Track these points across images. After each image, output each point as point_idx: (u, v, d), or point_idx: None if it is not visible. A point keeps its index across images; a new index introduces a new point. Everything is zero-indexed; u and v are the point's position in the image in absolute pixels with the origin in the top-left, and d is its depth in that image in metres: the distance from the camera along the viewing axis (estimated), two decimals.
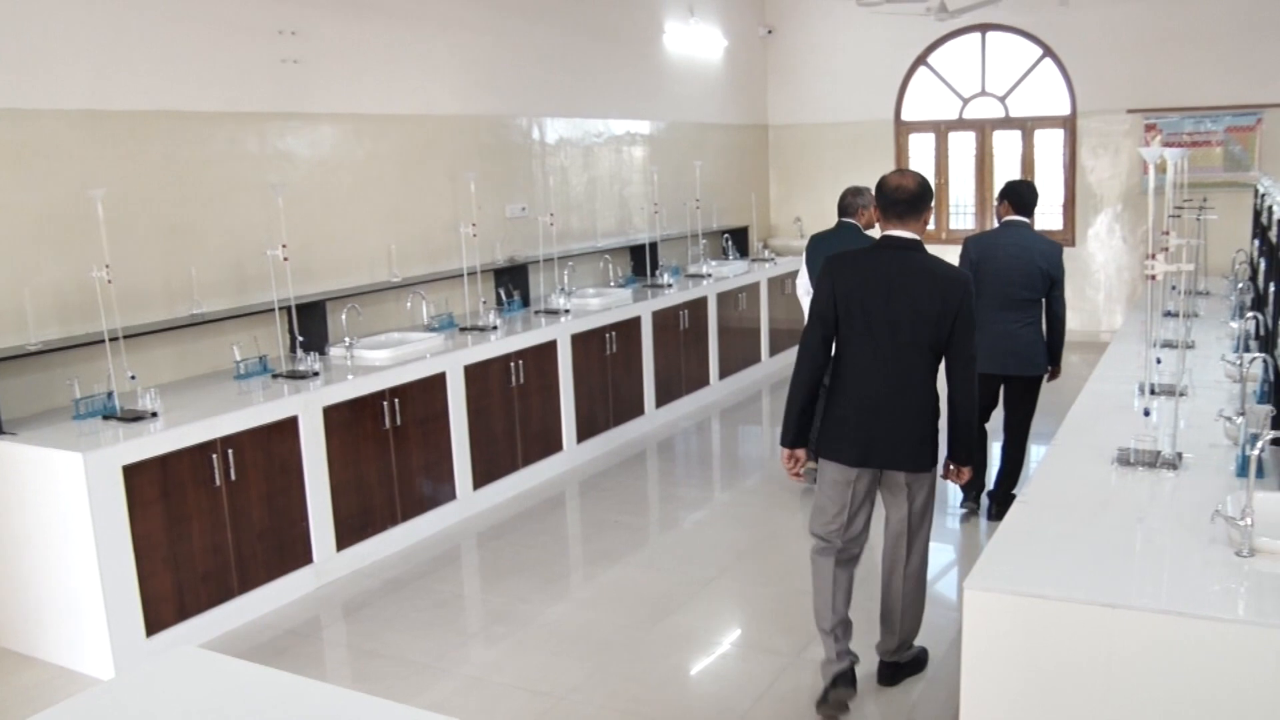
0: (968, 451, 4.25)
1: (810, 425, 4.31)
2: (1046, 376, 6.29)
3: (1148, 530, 3.26)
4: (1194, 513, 3.23)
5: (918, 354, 4.08)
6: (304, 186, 6.69)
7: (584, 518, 7.06)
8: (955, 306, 4.03)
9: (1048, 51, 11.70)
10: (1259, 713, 2.60)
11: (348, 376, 5.96)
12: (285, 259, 6.01)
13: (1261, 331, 4.79)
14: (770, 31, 12.71)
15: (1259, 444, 3.00)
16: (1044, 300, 6.11)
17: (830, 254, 4.40)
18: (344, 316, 6.59)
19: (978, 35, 11.97)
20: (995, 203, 6.42)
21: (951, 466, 4.33)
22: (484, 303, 7.69)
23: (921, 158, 12.42)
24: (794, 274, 11.10)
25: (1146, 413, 3.93)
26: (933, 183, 6.93)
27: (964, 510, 6.50)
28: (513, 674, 4.81)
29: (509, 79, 8.48)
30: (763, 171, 12.98)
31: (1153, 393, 4.39)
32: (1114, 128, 11.48)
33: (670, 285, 9.28)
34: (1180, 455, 3.73)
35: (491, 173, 8.22)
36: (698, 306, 9.36)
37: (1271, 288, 4.74)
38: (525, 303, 8.25)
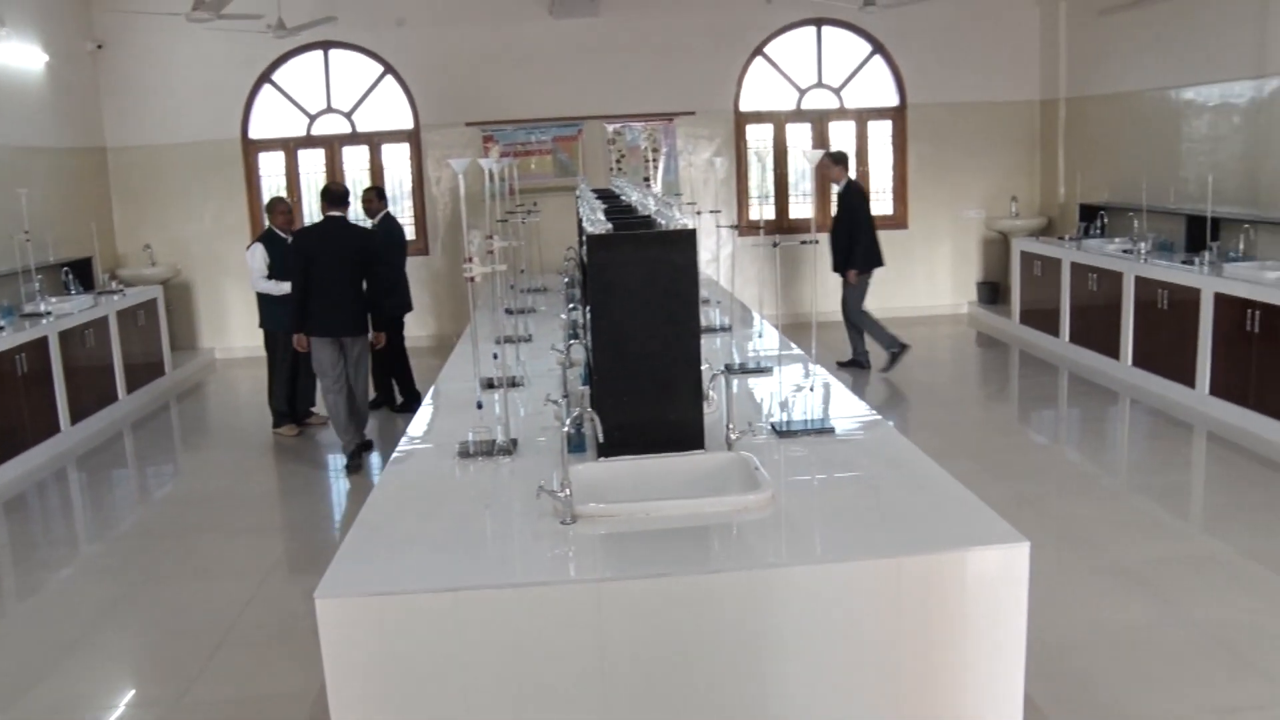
0: (382, 323, 8.48)
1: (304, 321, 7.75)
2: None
3: (488, 514, 3.46)
4: (528, 492, 3.46)
5: (350, 275, 7.74)
6: None
7: None
8: (364, 245, 7.92)
9: (389, 69, 12.07)
10: (596, 658, 2.87)
11: None
12: None
13: (584, 320, 5.25)
14: (100, 46, 11.86)
15: (568, 421, 3.30)
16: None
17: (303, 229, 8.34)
18: None
19: (320, 53, 12.07)
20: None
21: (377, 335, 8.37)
22: None
23: (273, 175, 12.29)
24: (147, 304, 10.59)
25: (479, 406, 4.17)
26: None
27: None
28: None
29: None
30: (104, 197, 12.09)
31: (492, 386, 4.66)
32: (455, 140, 12.10)
33: (2, 328, 8.40)
34: (515, 441, 4.00)
35: None
36: (37, 348, 8.53)
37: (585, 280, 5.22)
38: None
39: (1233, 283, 8.04)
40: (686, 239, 3.51)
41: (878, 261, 10.00)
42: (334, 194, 7.99)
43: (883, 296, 12.75)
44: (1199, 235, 9.20)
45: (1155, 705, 4.31)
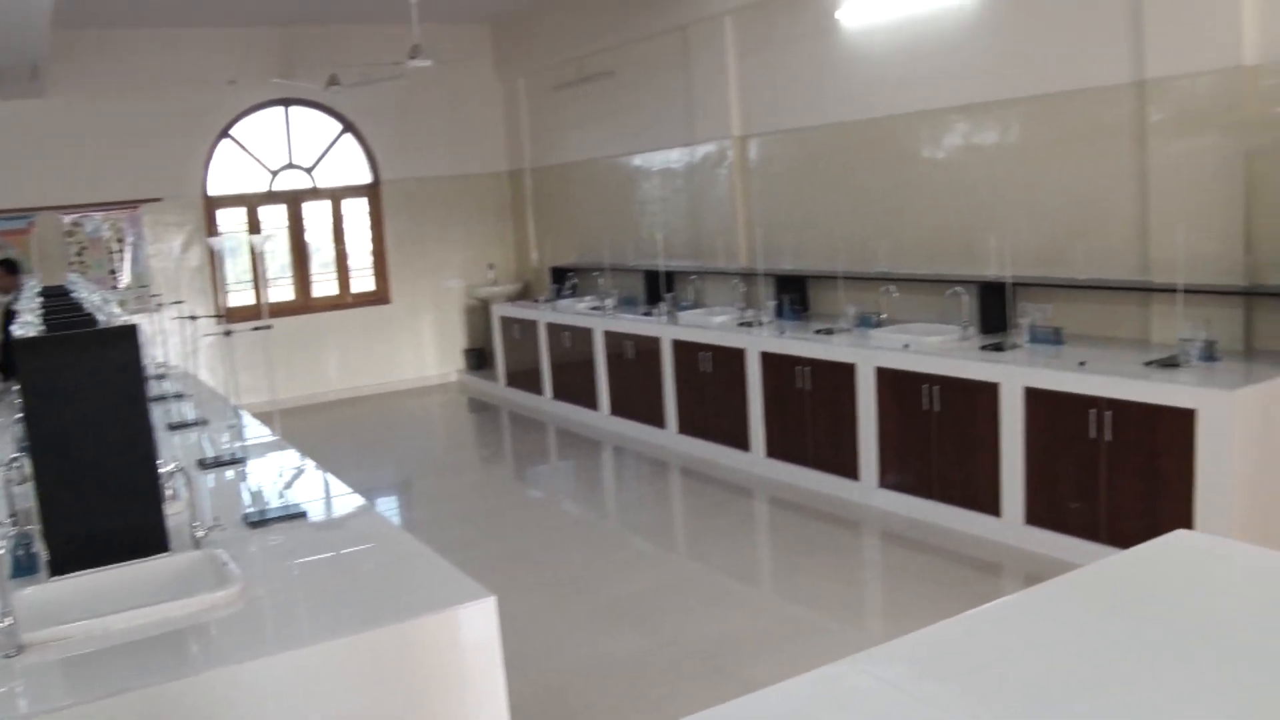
0: None
1: None
2: None
3: None
4: None
5: None
6: None
7: None
8: None
9: None
10: None
11: None
12: None
13: None
14: None
15: (8, 541, 3.06)
16: None
17: None
18: None
19: None
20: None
21: None
22: None
23: None
24: None
25: None
26: None
27: None
28: None
29: None
30: None
31: None
32: None
33: None
34: None
35: None
36: None
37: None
38: None
39: (686, 329, 8.87)
40: (126, 335, 3.37)
41: None
42: None
43: (371, 373, 12.84)
44: (656, 288, 10.06)
45: None
